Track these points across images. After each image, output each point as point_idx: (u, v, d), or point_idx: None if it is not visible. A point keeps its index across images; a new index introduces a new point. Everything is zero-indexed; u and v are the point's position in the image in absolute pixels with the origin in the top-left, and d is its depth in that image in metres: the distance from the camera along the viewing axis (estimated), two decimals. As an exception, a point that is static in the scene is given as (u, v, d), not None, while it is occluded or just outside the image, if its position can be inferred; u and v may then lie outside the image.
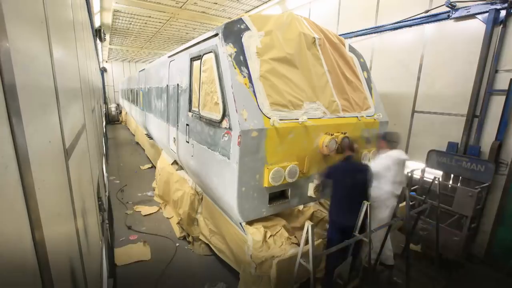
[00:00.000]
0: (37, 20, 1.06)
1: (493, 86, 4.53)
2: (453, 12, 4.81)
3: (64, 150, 1.34)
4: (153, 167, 9.19)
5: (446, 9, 4.86)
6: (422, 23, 5.33)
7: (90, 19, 6.55)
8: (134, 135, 14.80)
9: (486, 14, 4.43)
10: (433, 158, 5.18)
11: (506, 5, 4.23)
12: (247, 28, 3.39)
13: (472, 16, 4.64)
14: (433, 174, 4.96)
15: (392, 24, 5.73)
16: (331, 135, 3.53)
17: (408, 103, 5.71)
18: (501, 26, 4.36)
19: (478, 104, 4.70)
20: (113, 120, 22.29)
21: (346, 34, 6.63)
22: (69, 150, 1.45)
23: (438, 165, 5.10)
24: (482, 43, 4.50)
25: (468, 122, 4.80)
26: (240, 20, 3.41)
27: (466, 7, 4.67)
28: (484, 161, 4.52)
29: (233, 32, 3.30)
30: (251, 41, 3.35)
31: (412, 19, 5.39)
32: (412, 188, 5.01)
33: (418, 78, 5.51)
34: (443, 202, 4.42)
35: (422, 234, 4.56)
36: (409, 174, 4.84)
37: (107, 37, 13.08)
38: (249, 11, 9.57)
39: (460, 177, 4.87)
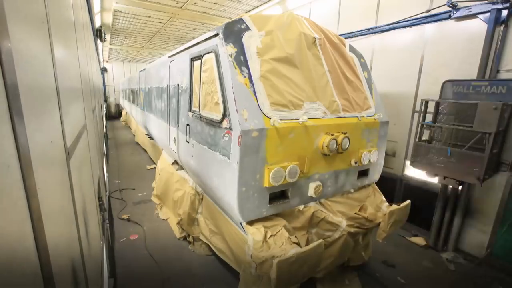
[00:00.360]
0: (38, 20, 1.07)
1: None
2: (454, 12, 4.80)
3: (65, 150, 1.35)
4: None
5: (447, 8, 4.85)
6: (423, 23, 5.31)
7: (90, 19, 6.55)
8: (134, 135, 14.81)
9: (488, 14, 4.42)
10: (449, 89, 4.78)
11: (507, 4, 4.22)
12: (247, 28, 3.39)
13: (474, 16, 4.62)
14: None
15: (392, 24, 5.72)
16: (332, 135, 3.53)
17: (408, 103, 5.71)
18: (503, 26, 4.35)
19: None
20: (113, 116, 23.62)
21: (346, 34, 6.63)
22: (70, 150, 1.46)
23: (454, 96, 4.69)
24: (483, 43, 4.49)
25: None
26: (241, 20, 3.41)
27: (467, 6, 4.66)
28: (505, 80, 4.22)
29: (234, 32, 3.30)
30: (252, 41, 3.35)
31: (413, 19, 5.38)
32: (426, 122, 4.73)
33: (419, 78, 5.51)
34: (459, 139, 4.06)
35: (439, 166, 4.18)
36: (424, 103, 4.57)
37: (108, 37, 13.10)
38: (249, 11, 9.58)
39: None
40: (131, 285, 3.99)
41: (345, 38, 5.53)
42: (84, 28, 4.04)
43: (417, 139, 4.70)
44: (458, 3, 4.72)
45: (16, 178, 0.73)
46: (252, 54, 3.29)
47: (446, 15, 4.92)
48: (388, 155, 5.98)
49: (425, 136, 4.94)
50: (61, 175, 1.24)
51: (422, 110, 4.75)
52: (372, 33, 6.21)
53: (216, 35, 3.38)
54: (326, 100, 3.69)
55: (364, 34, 6.36)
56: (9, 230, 0.67)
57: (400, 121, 5.86)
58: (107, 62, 23.22)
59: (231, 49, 3.20)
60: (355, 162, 3.97)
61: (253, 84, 3.15)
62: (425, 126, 4.74)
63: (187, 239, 5.05)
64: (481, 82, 4.41)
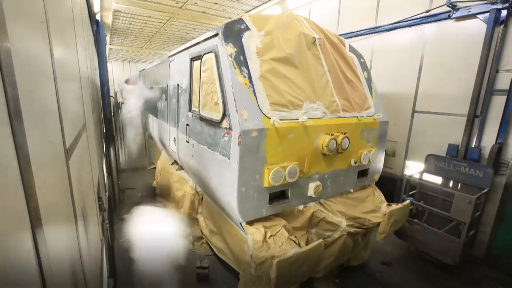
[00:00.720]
0: (37, 20, 1.07)
1: (494, 86, 4.52)
2: (454, 12, 4.81)
3: (64, 150, 1.34)
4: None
5: (446, 8, 4.85)
6: (422, 23, 5.32)
7: (90, 19, 6.55)
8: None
9: (487, 14, 4.42)
10: (431, 162, 5.12)
11: (507, 4, 4.23)
12: (247, 28, 3.39)
13: (473, 16, 4.63)
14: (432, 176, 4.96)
15: (392, 24, 5.72)
16: (331, 135, 3.53)
17: (408, 103, 5.71)
18: (502, 26, 4.36)
19: (478, 104, 4.69)
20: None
21: (346, 34, 6.63)
22: (69, 150, 1.46)
23: (436, 170, 5.04)
24: (483, 43, 4.50)
25: (468, 123, 4.78)
26: (240, 20, 3.41)
27: (467, 7, 4.67)
28: (482, 166, 4.49)
29: (233, 32, 3.30)
30: (251, 41, 3.35)
31: (412, 19, 5.38)
32: (410, 192, 4.96)
33: (418, 78, 5.51)
34: (441, 208, 4.37)
35: (419, 242, 4.48)
36: (408, 178, 4.82)
37: (107, 37, 13.09)
38: (249, 11, 9.57)
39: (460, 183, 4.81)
40: (130, 285, 3.99)
41: (345, 38, 5.53)
42: (84, 28, 4.04)
43: None
44: (458, 3, 4.72)
45: (15, 178, 0.73)
46: (251, 54, 3.29)
47: (446, 15, 4.94)
48: (388, 155, 5.98)
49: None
50: (60, 175, 1.24)
51: (405, 187, 4.96)
52: (371, 33, 6.21)
53: (216, 35, 3.38)
54: (325, 100, 3.69)
55: (363, 34, 6.36)
56: (8, 230, 0.67)
57: (400, 121, 5.86)
58: (107, 62, 23.19)
59: (230, 49, 3.20)
60: (355, 162, 3.97)
61: (252, 84, 3.15)
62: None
63: (188, 238, 5.04)
64: (461, 163, 4.74)
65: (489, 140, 4.60)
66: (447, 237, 4.14)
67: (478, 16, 4.57)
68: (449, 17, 4.91)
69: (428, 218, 4.64)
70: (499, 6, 4.29)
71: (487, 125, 4.63)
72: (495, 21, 4.37)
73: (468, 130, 4.79)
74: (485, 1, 4.46)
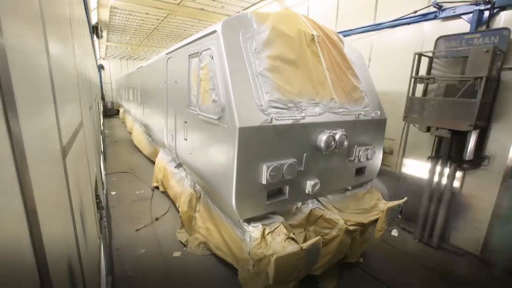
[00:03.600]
0: (32, 16, 1.05)
1: None
2: (440, 13, 4.97)
3: (61, 148, 1.34)
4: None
5: (434, 9, 5.01)
6: (414, 22, 5.44)
7: (87, 16, 6.49)
8: (130, 133, 14.74)
9: (471, 15, 4.57)
10: (442, 46, 4.84)
11: (489, 6, 4.36)
12: (245, 25, 3.37)
13: (458, 16, 4.78)
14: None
15: (389, 22, 5.75)
16: (330, 132, 3.53)
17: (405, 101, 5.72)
18: (485, 26, 4.48)
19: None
20: (110, 113, 23.85)
21: (344, 31, 6.62)
22: (66, 148, 1.45)
23: (448, 53, 4.75)
24: None
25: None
26: (239, 17, 3.39)
27: (452, 7, 4.82)
28: (497, 30, 4.22)
29: (232, 29, 3.28)
30: (250, 38, 3.33)
31: (403, 18, 5.53)
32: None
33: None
34: (452, 93, 4.10)
35: (432, 117, 4.23)
36: (417, 56, 4.66)
37: (104, 34, 12.99)
38: (247, 8, 9.53)
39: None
40: (129, 283, 4.00)
41: (343, 35, 5.52)
42: (80, 25, 4.00)
43: (409, 94, 4.75)
44: (444, 4, 4.87)
45: (11, 176, 0.72)
46: (250, 51, 3.28)
47: (433, 15, 5.09)
48: (385, 153, 6.01)
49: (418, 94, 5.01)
50: (57, 172, 1.24)
51: (415, 64, 4.77)
52: (370, 30, 6.20)
53: (214, 32, 3.37)
54: (324, 98, 3.69)
55: (362, 32, 6.36)
56: (5, 228, 0.67)
57: (397, 119, 5.87)
58: (104, 59, 23.02)
59: (228, 46, 3.18)
60: (353, 160, 3.99)
61: (251, 81, 3.14)
62: (418, 79, 4.74)
63: (186, 238, 5.05)
64: (474, 35, 4.45)
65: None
66: (462, 102, 3.83)
67: (462, 16, 4.71)
68: (435, 17, 5.05)
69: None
70: (482, 7, 4.43)
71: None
72: (478, 22, 4.50)
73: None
74: (469, 2, 4.60)
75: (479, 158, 4.61)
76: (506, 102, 4.32)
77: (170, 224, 5.56)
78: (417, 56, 4.78)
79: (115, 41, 16.06)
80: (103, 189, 4.76)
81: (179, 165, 5.53)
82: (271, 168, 3.07)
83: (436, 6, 4.91)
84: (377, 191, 4.41)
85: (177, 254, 4.62)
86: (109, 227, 4.86)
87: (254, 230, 3.14)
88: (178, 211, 5.29)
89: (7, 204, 0.70)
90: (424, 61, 4.96)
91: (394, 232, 5.31)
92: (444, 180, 4.96)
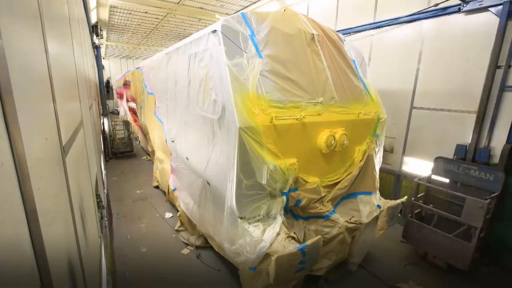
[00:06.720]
0: (31, 15, 1.05)
1: (506, 82, 4.31)
2: (464, 5, 4.58)
3: (61, 148, 1.33)
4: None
5: (456, 1, 4.64)
6: (428, 18, 5.12)
7: (86, 15, 6.48)
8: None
9: (500, 7, 4.20)
10: (440, 165, 4.95)
11: None
12: (245, 24, 3.36)
13: (484, 9, 4.40)
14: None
15: (393, 19, 5.65)
16: (330, 131, 3.53)
17: (406, 99, 5.71)
18: None
19: (489, 101, 4.48)
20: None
21: (344, 30, 6.60)
22: (66, 147, 1.44)
23: (445, 173, 4.88)
24: (495, 37, 4.32)
25: (479, 120, 4.56)
26: (239, 16, 3.38)
27: (478, 0, 4.43)
28: (493, 169, 4.31)
29: (231, 28, 3.27)
30: (250, 37, 3.32)
31: (418, 13, 5.19)
32: (418, 195, 4.81)
33: (416, 76, 5.51)
34: (451, 211, 4.28)
35: (430, 245, 4.39)
36: (417, 182, 4.71)
37: (104, 33, 12.96)
38: (247, 6, 9.50)
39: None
40: (130, 282, 4.00)
41: (343, 34, 5.50)
42: (80, 24, 4.00)
43: (409, 216, 4.71)
44: None
45: (11, 176, 0.72)
46: (250, 50, 3.27)
47: (456, 8, 4.70)
48: (386, 151, 6.00)
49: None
50: (57, 172, 1.23)
51: (414, 190, 4.78)
52: (370, 29, 6.17)
53: (214, 31, 3.35)
54: (325, 97, 3.68)
55: (362, 31, 6.33)
56: (5, 228, 0.67)
57: (398, 117, 5.86)
58: (103, 58, 22.99)
59: (228, 45, 3.17)
60: (353, 158, 3.98)
61: (251, 81, 3.14)
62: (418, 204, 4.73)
63: (187, 237, 5.06)
64: (471, 166, 4.58)
65: (499, 140, 4.44)
66: (457, 242, 4.04)
67: (490, 9, 4.32)
68: (459, 10, 4.67)
69: (438, 222, 4.58)
70: (514, -2, 3.99)
71: (498, 124, 4.45)
72: (509, 15, 4.13)
73: (477, 129, 4.58)
74: None
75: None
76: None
77: (171, 223, 5.57)
78: (416, 184, 4.70)
79: (115, 40, 16.03)
80: (104, 189, 4.76)
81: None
82: (271, 168, 3.07)
83: None
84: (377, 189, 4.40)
85: (182, 252, 4.63)
86: (110, 226, 4.86)
87: (255, 230, 3.14)
88: (177, 210, 5.31)
89: (7, 204, 0.70)
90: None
91: (395, 231, 5.31)
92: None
